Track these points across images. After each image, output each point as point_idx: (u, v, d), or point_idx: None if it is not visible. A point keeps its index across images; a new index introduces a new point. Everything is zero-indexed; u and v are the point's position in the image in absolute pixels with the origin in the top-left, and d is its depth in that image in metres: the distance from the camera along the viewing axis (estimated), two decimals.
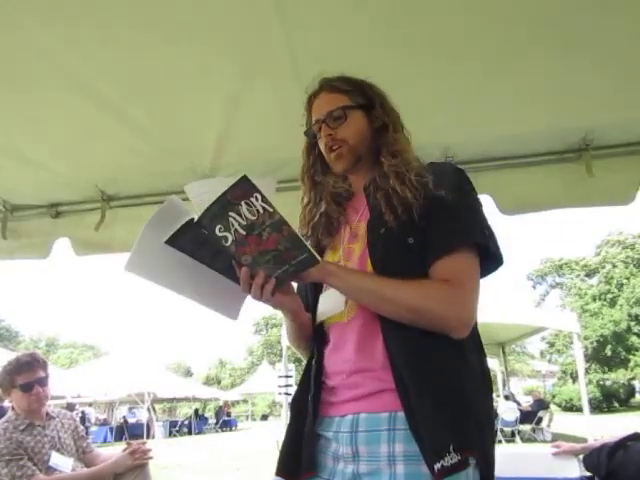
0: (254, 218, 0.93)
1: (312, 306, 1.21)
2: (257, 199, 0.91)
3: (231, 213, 0.93)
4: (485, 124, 1.92)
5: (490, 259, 1.09)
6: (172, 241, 0.98)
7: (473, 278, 1.06)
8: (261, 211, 0.93)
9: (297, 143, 1.30)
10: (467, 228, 1.07)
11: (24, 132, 1.94)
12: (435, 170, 1.14)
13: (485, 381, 1.08)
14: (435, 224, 1.06)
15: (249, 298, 1.08)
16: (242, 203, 0.92)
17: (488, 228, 1.10)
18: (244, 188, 0.91)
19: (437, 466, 0.91)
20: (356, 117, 1.19)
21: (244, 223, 0.93)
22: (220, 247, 0.97)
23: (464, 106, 1.81)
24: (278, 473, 1.10)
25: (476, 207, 1.13)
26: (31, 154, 2.06)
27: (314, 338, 1.20)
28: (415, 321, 1.02)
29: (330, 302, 1.15)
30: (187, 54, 1.57)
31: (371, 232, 1.12)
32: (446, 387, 0.99)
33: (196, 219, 0.95)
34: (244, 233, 0.94)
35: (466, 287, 1.04)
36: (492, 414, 1.11)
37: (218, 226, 0.94)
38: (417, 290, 1.03)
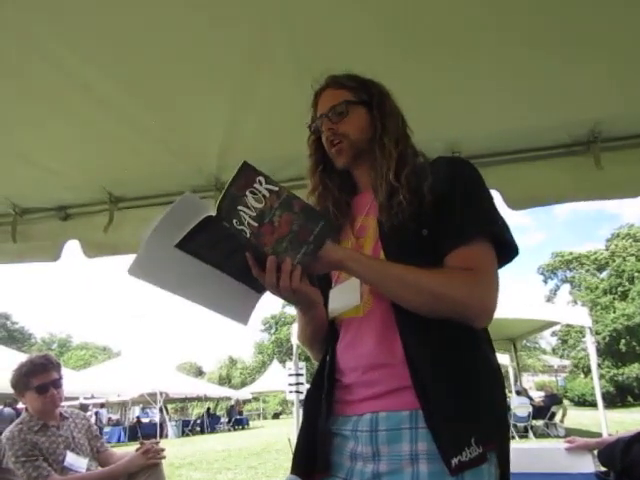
0: (262, 205, 0.90)
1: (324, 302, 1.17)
2: (261, 183, 0.88)
3: (239, 207, 0.89)
4: (491, 118, 1.91)
5: (506, 249, 1.08)
6: (184, 244, 0.93)
7: (493, 267, 1.04)
8: (267, 195, 0.89)
9: (304, 141, 1.29)
10: (483, 218, 1.06)
11: (31, 136, 1.95)
12: (444, 164, 1.13)
13: (499, 376, 1.06)
14: (450, 215, 1.04)
15: (259, 302, 1.06)
16: (247, 193, 0.89)
17: (501, 218, 1.09)
18: (247, 175, 0.88)
19: (454, 461, 0.89)
20: (358, 113, 1.18)
21: (254, 214, 0.90)
22: (242, 241, 0.92)
23: (470, 101, 1.79)
24: (293, 471, 1.09)
25: (489, 198, 1.12)
26: (39, 158, 2.08)
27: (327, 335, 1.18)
28: (437, 309, 1.00)
29: (344, 297, 1.11)
30: (191, 54, 1.57)
31: (383, 225, 1.10)
32: (466, 382, 0.97)
33: (215, 215, 0.90)
34: (256, 225, 0.91)
35: (488, 275, 1.03)
36: (507, 410, 1.09)
37: (234, 220, 0.90)
38: (440, 277, 1.01)
